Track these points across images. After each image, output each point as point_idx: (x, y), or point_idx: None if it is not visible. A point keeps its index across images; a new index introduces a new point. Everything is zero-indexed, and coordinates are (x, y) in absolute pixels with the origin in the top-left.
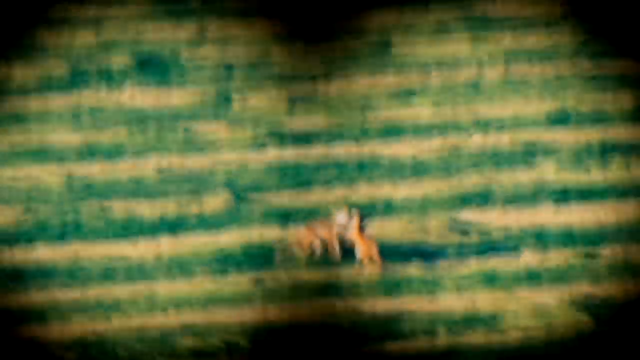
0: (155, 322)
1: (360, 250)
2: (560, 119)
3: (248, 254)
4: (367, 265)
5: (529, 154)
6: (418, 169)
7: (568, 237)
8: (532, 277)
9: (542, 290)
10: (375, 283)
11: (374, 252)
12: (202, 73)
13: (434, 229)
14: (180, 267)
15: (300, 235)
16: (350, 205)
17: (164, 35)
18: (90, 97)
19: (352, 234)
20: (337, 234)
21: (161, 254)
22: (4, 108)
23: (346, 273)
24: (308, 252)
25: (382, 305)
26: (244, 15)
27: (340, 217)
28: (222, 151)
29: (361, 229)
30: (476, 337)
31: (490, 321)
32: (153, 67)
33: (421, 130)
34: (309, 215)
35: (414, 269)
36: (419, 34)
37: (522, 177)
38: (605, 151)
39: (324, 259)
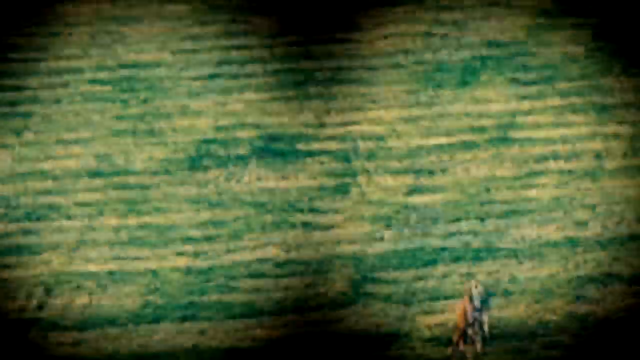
0: None
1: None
2: None
3: (374, 335)
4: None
5: None
6: (541, 249)
7: None
8: None
9: None
10: None
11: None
12: (321, 159)
13: (557, 308)
14: (306, 348)
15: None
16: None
17: (285, 120)
18: (212, 181)
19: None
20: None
21: (285, 334)
22: (128, 191)
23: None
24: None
25: None
26: (364, 102)
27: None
28: (344, 231)
29: (476, 310)
30: None
31: None
32: (273, 153)
33: (543, 211)
34: (433, 294)
35: (537, 347)
36: (537, 124)
37: None
38: None
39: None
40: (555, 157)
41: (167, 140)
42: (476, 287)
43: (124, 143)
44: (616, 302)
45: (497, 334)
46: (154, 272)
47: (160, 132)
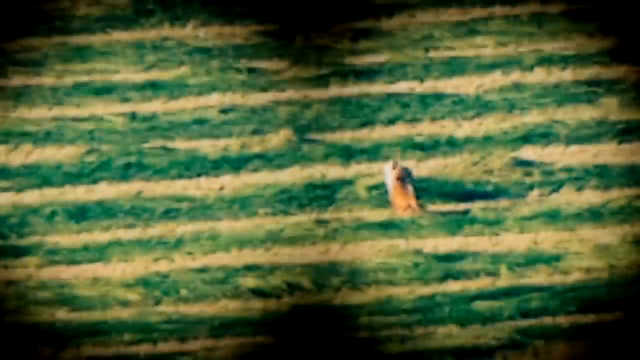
0: (217, 262)
1: (395, 202)
2: (624, 55)
3: (310, 193)
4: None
5: (591, 91)
6: (480, 106)
7: (630, 176)
8: (595, 216)
9: (605, 229)
10: (437, 223)
11: (412, 203)
12: (265, 9)
13: (496, 167)
14: (242, 206)
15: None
16: (412, 144)
17: None
18: (153, 33)
19: (390, 185)
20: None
21: (224, 192)
22: (67, 45)
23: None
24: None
25: (444, 245)
26: None
27: (387, 167)
28: (284, 89)
29: (402, 180)
30: (538, 277)
31: (552, 261)
32: (216, 2)
33: (484, 67)
34: (371, 153)
35: (475, 208)
36: None
37: (585, 114)
38: None
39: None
40: (500, 2)
41: None
42: (394, 167)
43: None
44: (558, 151)
45: (435, 195)
46: (97, 124)
47: None
